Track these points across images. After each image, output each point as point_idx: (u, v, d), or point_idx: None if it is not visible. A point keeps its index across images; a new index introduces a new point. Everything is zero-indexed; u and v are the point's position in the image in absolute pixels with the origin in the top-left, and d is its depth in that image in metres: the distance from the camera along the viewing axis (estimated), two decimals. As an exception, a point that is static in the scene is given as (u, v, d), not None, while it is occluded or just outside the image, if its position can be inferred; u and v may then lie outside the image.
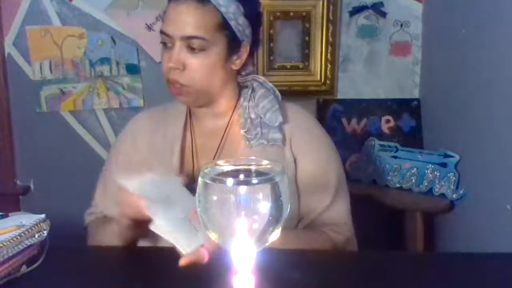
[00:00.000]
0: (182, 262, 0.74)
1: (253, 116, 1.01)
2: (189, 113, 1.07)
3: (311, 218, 1.01)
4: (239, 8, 0.96)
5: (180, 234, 0.76)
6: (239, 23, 0.96)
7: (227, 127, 1.03)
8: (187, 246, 0.75)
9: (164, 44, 0.97)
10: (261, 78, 1.07)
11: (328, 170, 1.03)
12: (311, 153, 1.03)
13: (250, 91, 1.03)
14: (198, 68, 0.95)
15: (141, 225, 0.82)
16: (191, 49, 0.94)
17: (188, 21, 0.92)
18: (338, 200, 1.02)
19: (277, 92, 1.05)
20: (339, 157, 1.07)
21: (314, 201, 1.01)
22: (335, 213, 1.02)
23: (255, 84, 1.05)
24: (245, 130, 1.00)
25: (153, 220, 0.78)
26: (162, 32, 0.96)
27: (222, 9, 0.94)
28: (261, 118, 1.00)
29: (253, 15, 0.99)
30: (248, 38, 0.99)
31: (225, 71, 0.99)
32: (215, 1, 0.93)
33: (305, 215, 1.01)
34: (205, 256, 0.74)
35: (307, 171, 1.01)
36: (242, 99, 1.03)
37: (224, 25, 0.95)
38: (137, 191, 0.81)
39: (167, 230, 0.77)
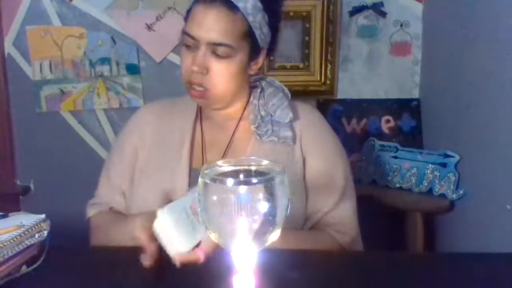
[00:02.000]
0: (178, 262, 0.73)
1: (263, 113, 1.02)
2: (200, 108, 1.08)
3: (318, 217, 1.01)
4: (265, 18, 0.97)
5: (174, 235, 0.75)
6: (263, 31, 0.98)
7: (238, 123, 1.04)
8: (177, 248, 0.74)
9: (186, 45, 0.96)
10: (269, 78, 1.09)
11: (336, 170, 1.03)
12: (320, 152, 1.03)
13: (259, 91, 1.05)
14: (222, 73, 0.95)
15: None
16: (216, 54, 0.94)
17: (216, 27, 0.92)
18: (345, 199, 1.02)
19: (286, 90, 1.08)
20: (347, 157, 1.08)
21: (321, 200, 1.01)
22: (342, 212, 1.02)
23: (263, 84, 1.07)
24: (255, 125, 1.00)
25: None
26: (186, 33, 0.95)
27: (250, 18, 0.94)
28: (271, 116, 1.02)
29: (276, 24, 1.01)
30: (267, 44, 1.01)
31: (243, 77, 1.01)
32: (244, 9, 0.93)
33: (312, 214, 1.01)
34: (200, 257, 0.74)
35: (315, 170, 1.02)
36: (252, 98, 1.05)
37: (249, 33, 0.96)
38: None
39: (162, 229, 0.76)
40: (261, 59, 1.02)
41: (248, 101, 1.05)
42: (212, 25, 0.92)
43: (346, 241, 1.00)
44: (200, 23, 0.93)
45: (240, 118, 1.05)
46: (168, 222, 0.76)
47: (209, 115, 1.06)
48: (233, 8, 0.93)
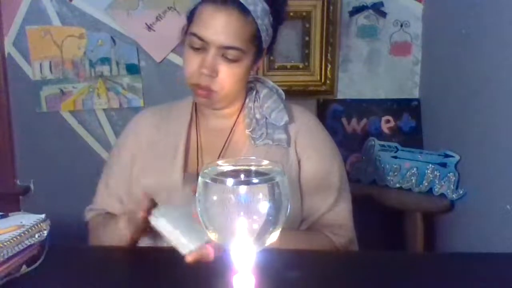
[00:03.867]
0: (189, 258, 0.74)
1: (258, 116, 1.02)
2: (195, 112, 1.08)
3: (314, 219, 1.01)
4: (270, 20, 0.97)
5: (182, 232, 0.76)
6: (268, 34, 0.98)
7: (233, 126, 1.04)
8: (191, 244, 0.75)
9: (191, 47, 0.94)
10: (262, 78, 1.10)
11: (331, 172, 1.03)
12: (315, 154, 1.03)
13: (254, 92, 1.05)
14: (231, 76, 0.94)
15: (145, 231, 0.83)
16: (225, 57, 0.93)
17: (227, 31, 0.91)
18: (341, 201, 1.03)
19: (280, 91, 1.07)
20: (342, 159, 1.08)
21: (317, 202, 1.01)
22: (338, 214, 1.02)
23: (258, 85, 1.07)
24: (250, 130, 1.00)
25: (155, 216, 0.79)
26: (194, 35, 0.93)
27: (259, 21, 0.94)
28: (266, 118, 1.02)
29: (278, 26, 1.01)
30: (267, 45, 1.01)
31: (247, 78, 1.01)
32: (255, 13, 0.93)
33: (307, 216, 1.02)
34: (211, 253, 0.74)
35: (311, 172, 1.02)
36: (247, 100, 1.05)
37: (256, 36, 0.95)
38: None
39: (169, 229, 0.77)
40: (261, 61, 1.03)
41: (243, 103, 1.05)
42: (223, 28, 0.91)
43: (341, 242, 1.00)
44: (210, 25, 0.91)
45: (236, 121, 1.04)
46: (167, 224, 0.77)
47: (204, 118, 1.06)
48: (244, 11, 0.92)
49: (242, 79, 0.98)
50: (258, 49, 0.98)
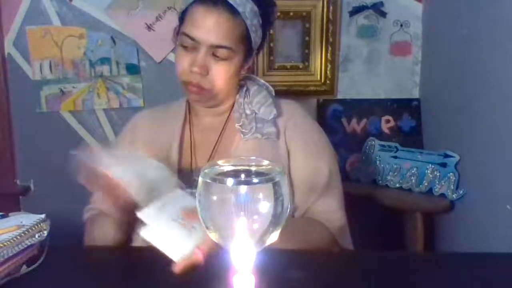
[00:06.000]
0: (177, 268, 0.73)
1: (248, 111, 1.05)
2: (189, 111, 1.11)
3: (304, 208, 1.03)
4: (259, 21, 1.01)
5: (172, 239, 0.75)
6: (257, 34, 1.02)
7: (225, 123, 1.07)
8: (180, 251, 0.74)
9: (183, 46, 0.98)
10: (253, 76, 1.13)
11: (319, 161, 1.05)
12: (303, 145, 1.05)
13: (244, 89, 1.08)
14: (221, 74, 0.98)
15: (128, 214, 0.82)
16: (216, 56, 0.96)
17: (219, 30, 0.95)
18: (329, 191, 1.04)
19: (270, 88, 1.10)
20: (332, 150, 1.10)
21: (306, 192, 1.03)
22: (328, 202, 1.04)
23: (248, 82, 1.10)
24: (240, 124, 1.03)
25: (143, 224, 0.78)
26: (185, 34, 0.97)
27: (248, 22, 0.98)
28: (255, 113, 1.04)
29: (267, 27, 1.05)
30: (257, 46, 1.05)
31: (237, 77, 1.04)
32: (243, 14, 0.97)
33: (297, 205, 1.03)
34: (200, 259, 0.74)
35: (300, 162, 1.04)
36: (237, 96, 1.08)
37: (245, 36, 0.99)
38: (119, 176, 0.80)
39: (158, 236, 0.76)
40: (251, 60, 1.06)
41: (235, 100, 1.08)
42: (213, 28, 0.95)
43: (335, 227, 1.01)
44: (201, 25, 0.95)
45: (227, 118, 1.07)
46: (155, 231, 0.76)
47: (198, 116, 1.09)
48: (234, 12, 0.96)
49: (232, 77, 1.01)
50: (248, 48, 1.01)
